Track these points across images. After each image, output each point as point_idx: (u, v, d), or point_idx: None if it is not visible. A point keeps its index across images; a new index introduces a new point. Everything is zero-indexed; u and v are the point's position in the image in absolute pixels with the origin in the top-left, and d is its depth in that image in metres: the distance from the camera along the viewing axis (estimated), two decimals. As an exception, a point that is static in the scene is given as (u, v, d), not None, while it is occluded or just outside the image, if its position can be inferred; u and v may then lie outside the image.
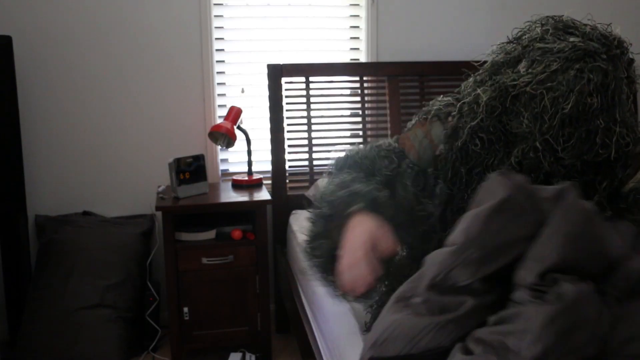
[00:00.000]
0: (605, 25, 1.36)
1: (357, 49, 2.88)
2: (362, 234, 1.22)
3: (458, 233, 1.08)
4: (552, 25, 1.39)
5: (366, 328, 1.54)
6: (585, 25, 1.35)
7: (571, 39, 1.32)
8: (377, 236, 1.24)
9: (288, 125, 2.71)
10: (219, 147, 2.74)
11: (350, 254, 1.21)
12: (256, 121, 2.78)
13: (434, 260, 1.09)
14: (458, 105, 1.43)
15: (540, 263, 1.00)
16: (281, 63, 2.68)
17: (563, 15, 1.37)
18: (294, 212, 2.65)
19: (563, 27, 1.37)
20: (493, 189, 1.10)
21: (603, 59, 1.27)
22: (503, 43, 1.46)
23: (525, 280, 1.01)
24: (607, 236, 1.07)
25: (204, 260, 2.35)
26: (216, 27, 2.73)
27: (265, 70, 2.67)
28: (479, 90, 1.39)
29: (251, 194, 2.48)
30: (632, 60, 1.32)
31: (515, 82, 1.32)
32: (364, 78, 2.77)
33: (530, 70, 1.31)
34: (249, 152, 2.64)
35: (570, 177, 1.27)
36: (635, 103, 2.98)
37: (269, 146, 2.69)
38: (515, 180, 1.12)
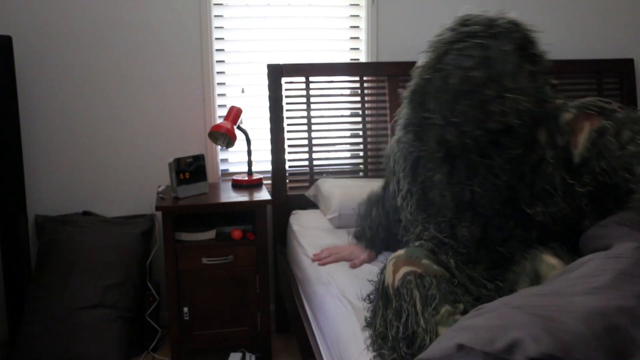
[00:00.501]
0: (502, 12, 1.51)
1: (357, 49, 2.88)
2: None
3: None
4: (454, 22, 1.52)
5: (366, 323, 1.55)
6: (479, 15, 1.49)
7: (462, 29, 1.47)
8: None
9: (288, 125, 2.71)
10: (219, 147, 2.74)
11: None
12: (256, 121, 2.78)
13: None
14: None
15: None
16: (281, 63, 2.68)
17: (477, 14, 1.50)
18: (294, 212, 2.65)
19: (461, 21, 1.50)
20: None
21: (483, 36, 1.41)
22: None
23: None
24: None
25: (204, 260, 2.35)
26: (216, 27, 2.74)
27: (265, 70, 2.67)
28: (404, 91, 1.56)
29: (251, 194, 2.48)
30: (527, 36, 1.46)
31: (415, 75, 1.50)
32: (364, 78, 2.77)
33: (425, 61, 1.48)
34: (249, 152, 2.64)
35: (486, 151, 1.43)
36: (635, 100, 2.99)
37: (269, 146, 2.69)
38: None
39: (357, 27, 2.87)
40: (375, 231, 2.01)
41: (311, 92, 2.73)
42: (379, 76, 2.79)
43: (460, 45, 1.42)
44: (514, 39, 1.41)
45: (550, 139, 1.46)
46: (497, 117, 1.38)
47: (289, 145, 2.72)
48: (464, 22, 1.47)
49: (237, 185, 2.60)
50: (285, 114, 2.70)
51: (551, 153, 1.45)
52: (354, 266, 2.00)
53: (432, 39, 1.51)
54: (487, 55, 1.38)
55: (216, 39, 2.74)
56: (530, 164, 1.46)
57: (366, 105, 2.78)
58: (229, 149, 2.74)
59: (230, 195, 2.48)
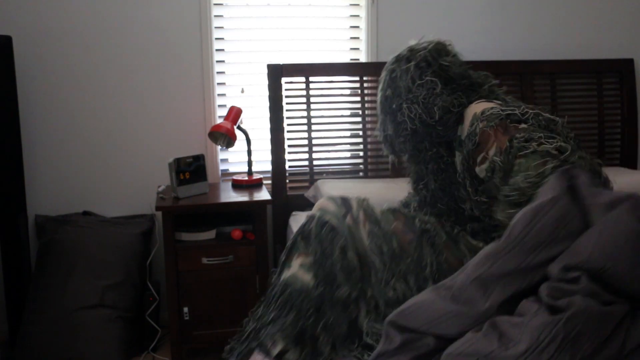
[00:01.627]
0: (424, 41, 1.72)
1: (357, 49, 2.88)
2: None
3: (507, 229, 1.13)
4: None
5: None
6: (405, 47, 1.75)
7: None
8: None
9: (288, 125, 2.71)
10: (219, 147, 2.74)
11: None
12: (256, 121, 2.78)
13: (482, 253, 1.13)
14: None
15: (569, 257, 1.02)
16: (281, 63, 2.68)
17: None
18: (293, 213, 2.65)
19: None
20: (549, 186, 1.14)
21: (391, 62, 1.73)
22: None
23: (552, 271, 1.03)
24: None
25: (204, 260, 2.35)
26: (216, 27, 2.73)
27: (265, 70, 2.67)
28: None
29: (251, 194, 2.48)
30: (433, 51, 1.66)
31: None
32: (364, 78, 2.77)
33: None
34: (249, 152, 2.64)
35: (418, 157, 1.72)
36: (635, 100, 2.99)
37: (269, 146, 2.69)
38: (575, 180, 1.13)
39: (357, 27, 2.87)
40: None
41: (311, 92, 2.73)
42: (379, 76, 2.77)
43: (382, 74, 1.75)
44: (416, 58, 1.65)
45: (458, 146, 1.60)
46: (404, 125, 1.65)
47: (289, 145, 2.72)
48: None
49: (237, 185, 2.60)
50: (285, 114, 2.70)
51: (459, 159, 1.57)
52: None
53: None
54: (393, 77, 1.69)
55: (216, 39, 2.74)
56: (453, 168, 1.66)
57: (366, 105, 2.78)
58: (229, 149, 2.73)
59: (230, 195, 2.48)
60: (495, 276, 1.07)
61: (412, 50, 1.69)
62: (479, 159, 1.45)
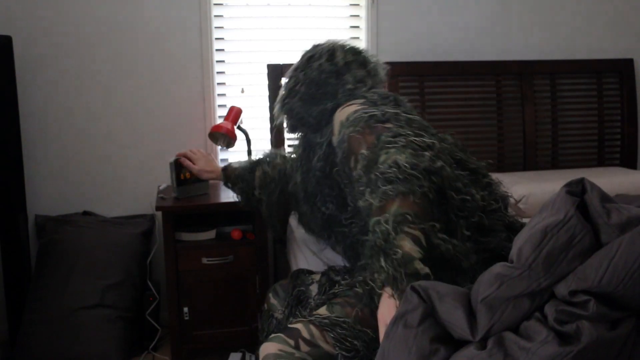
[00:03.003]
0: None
1: (357, 49, 2.88)
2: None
3: (514, 247, 1.08)
4: None
5: None
6: None
7: None
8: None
9: (288, 125, 2.71)
10: (219, 147, 2.74)
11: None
12: (256, 121, 2.78)
13: (493, 271, 1.09)
14: None
15: (578, 281, 0.99)
16: (281, 63, 2.68)
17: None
18: (294, 212, 2.64)
19: None
20: (559, 204, 1.08)
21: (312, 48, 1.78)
22: None
23: (559, 291, 1.01)
24: None
25: (204, 260, 2.35)
26: (216, 27, 2.73)
27: (265, 70, 2.67)
28: None
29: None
30: (309, 57, 1.75)
31: None
32: (364, 78, 2.77)
33: None
34: (249, 152, 2.64)
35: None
36: (635, 100, 2.99)
37: (269, 146, 2.69)
38: (586, 195, 1.08)
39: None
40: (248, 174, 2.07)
41: (311, 92, 2.72)
42: (379, 76, 2.78)
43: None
44: (310, 52, 1.75)
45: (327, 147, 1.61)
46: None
47: (289, 146, 2.72)
48: None
49: (237, 185, 2.60)
50: (285, 114, 2.69)
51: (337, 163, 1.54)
52: (181, 161, 2.25)
53: None
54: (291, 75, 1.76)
55: (216, 39, 2.74)
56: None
57: (366, 105, 2.78)
58: (229, 149, 2.73)
59: (230, 195, 2.47)
60: (503, 299, 1.04)
61: (320, 44, 1.77)
62: (352, 163, 1.42)
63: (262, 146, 2.78)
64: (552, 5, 2.99)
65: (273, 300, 1.82)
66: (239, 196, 2.12)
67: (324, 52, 1.72)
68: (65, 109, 2.65)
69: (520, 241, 1.07)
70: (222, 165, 2.22)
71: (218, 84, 2.77)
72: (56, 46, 2.60)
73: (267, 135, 2.70)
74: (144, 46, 2.67)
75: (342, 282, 1.58)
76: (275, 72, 2.66)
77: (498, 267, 1.08)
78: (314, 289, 1.72)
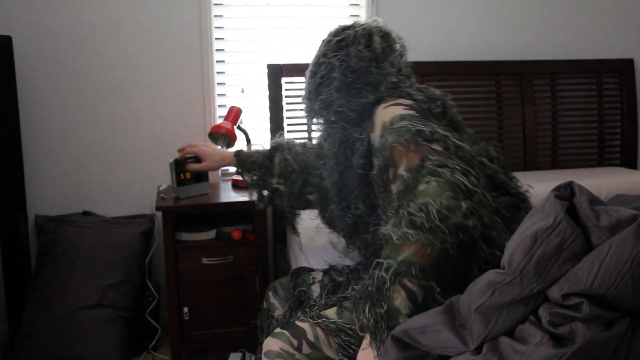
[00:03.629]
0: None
1: (357, 49, 2.88)
2: None
3: (505, 254, 1.07)
4: None
5: None
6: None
7: None
8: None
9: (288, 125, 2.71)
10: (219, 147, 2.74)
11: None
12: (256, 121, 2.78)
13: (484, 279, 1.08)
14: None
15: (570, 284, 0.99)
16: (281, 63, 2.68)
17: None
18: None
19: None
20: (548, 208, 1.07)
21: (338, 28, 1.63)
22: None
23: (551, 295, 1.01)
24: None
25: (204, 260, 2.35)
26: (216, 27, 2.73)
27: (265, 70, 2.67)
28: None
29: (251, 194, 2.48)
30: (347, 39, 1.58)
31: None
32: (364, 78, 2.77)
33: None
34: (248, 142, 2.64)
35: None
36: (635, 100, 2.99)
37: (269, 146, 2.69)
38: (575, 198, 1.08)
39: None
40: (267, 159, 1.95)
41: (311, 92, 2.72)
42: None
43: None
44: (341, 34, 1.59)
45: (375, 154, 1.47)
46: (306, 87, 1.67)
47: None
48: None
49: (237, 186, 2.60)
50: (285, 114, 2.70)
51: (377, 169, 1.44)
52: (188, 167, 2.12)
53: None
54: (324, 39, 1.64)
55: (216, 39, 2.74)
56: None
57: (366, 105, 2.78)
58: (229, 149, 2.73)
59: (230, 195, 2.48)
60: (497, 306, 1.04)
61: (351, 26, 1.61)
62: (390, 175, 1.34)
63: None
64: (552, 5, 2.99)
65: (273, 299, 1.79)
66: (252, 185, 1.97)
67: (360, 36, 1.57)
68: (65, 109, 2.65)
69: (511, 247, 1.07)
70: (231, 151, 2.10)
71: (218, 84, 2.77)
72: (56, 46, 2.60)
73: (267, 135, 2.70)
74: (144, 46, 2.67)
75: (355, 286, 1.53)
76: (275, 72, 2.66)
77: (489, 275, 1.07)
78: (315, 289, 1.70)
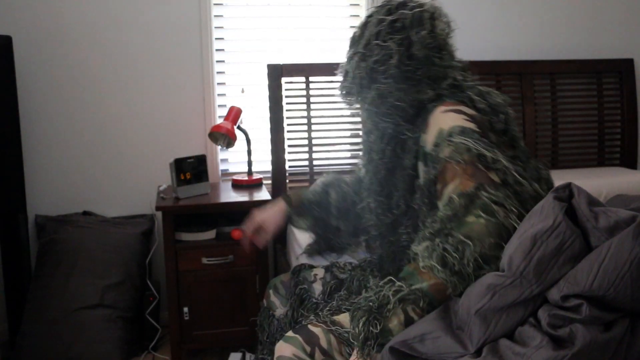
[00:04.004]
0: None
1: (357, 49, 2.88)
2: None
3: (505, 256, 1.07)
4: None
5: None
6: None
7: None
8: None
9: (288, 125, 2.71)
10: (219, 147, 2.74)
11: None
12: (256, 121, 2.78)
13: (484, 282, 1.08)
14: None
15: (569, 286, 0.99)
16: (281, 63, 2.68)
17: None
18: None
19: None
20: (547, 209, 1.07)
21: (380, 4, 1.45)
22: None
23: (551, 296, 1.01)
24: None
25: (204, 260, 2.35)
26: (216, 27, 2.74)
27: (265, 70, 2.67)
28: None
29: (251, 194, 2.48)
30: (404, 20, 1.38)
31: None
32: (364, 78, 2.77)
33: None
34: (249, 152, 2.64)
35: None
36: (635, 100, 2.99)
37: (269, 146, 2.69)
38: (574, 199, 1.08)
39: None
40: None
41: (311, 92, 2.73)
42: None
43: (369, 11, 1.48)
44: (396, 14, 1.39)
45: (422, 157, 1.36)
46: (347, 76, 1.47)
47: (289, 145, 2.72)
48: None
49: (237, 185, 2.60)
50: (285, 114, 2.70)
51: (423, 175, 1.35)
52: (256, 242, 1.75)
53: None
54: (367, 19, 1.44)
55: (216, 39, 2.74)
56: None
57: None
58: (229, 149, 2.73)
59: (230, 195, 2.48)
60: (497, 309, 1.05)
61: (402, 4, 1.41)
62: (438, 188, 1.25)
63: (262, 146, 2.78)
64: (552, 5, 2.99)
65: (273, 297, 1.76)
66: (309, 229, 1.75)
67: (421, 18, 1.39)
68: (66, 109, 2.65)
69: (510, 249, 1.06)
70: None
71: (218, 84, 2.77)
72: (56, 46, 2.60)
73: (267, 135, 2.70)
74: (144, 46, 2.67)
75: (371, 291, 1.47)
76: (275, 72, 2.66)
77: (489, 278, 1.07)
78: (317, 287, 1.67)
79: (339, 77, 1.51)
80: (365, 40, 1.40)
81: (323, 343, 1.32)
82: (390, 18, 1.37)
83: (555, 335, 0.98)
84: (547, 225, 1.04)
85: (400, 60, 1.35)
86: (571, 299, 0.99)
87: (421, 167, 1.35)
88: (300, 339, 1.33)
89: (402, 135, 1.40)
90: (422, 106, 1.37)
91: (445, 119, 1.29)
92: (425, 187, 1.30)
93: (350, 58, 1.44)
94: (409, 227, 1.40)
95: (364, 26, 1.43)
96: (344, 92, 1.48)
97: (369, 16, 1.44)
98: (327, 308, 1.50)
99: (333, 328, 1.33)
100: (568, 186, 1.11)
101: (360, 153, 1.61)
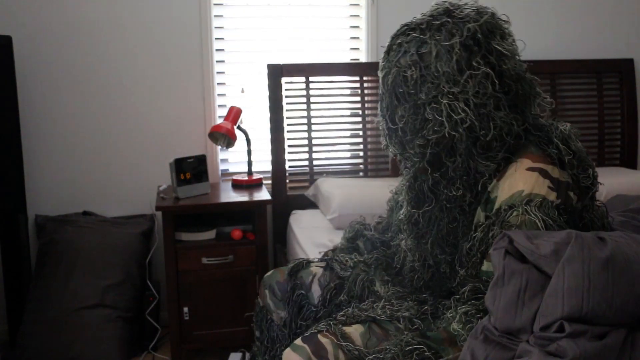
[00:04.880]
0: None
1: (357, 49, 2.88)
2: None
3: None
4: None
5: None
6: (444, 3, 1.29)
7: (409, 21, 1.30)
8: None
9: (288, 125, 2.71)
10: (219, 147, 2.74)
11: None
12: (256, 121, 2.78)
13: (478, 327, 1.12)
14: None
15: (545, 318, 1.01)
16: (281, 63, 2.68)
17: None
18: (294, 212, 2.65)
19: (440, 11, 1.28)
20: (494, 264, 1.12)
21: (423, 29, 1.22)
22: None
23: (535, 332, 1.03)
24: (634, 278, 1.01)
25: (204, 260, 2.35)
26: (216, 27, 2.73)
27: (265, 70, 2.67)
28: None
29: (251, 194, 2.48)
30: (486, 28, 1.20)
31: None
32: (364, 78, 2.77)
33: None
34: (249, 152, 2.64)
35: (431, 164, 1.27)
36: (635, 100, 2.99)
37: (269, 146, 2.69)
38: (513, 244, 1.11)
39: (357, 27, 2.87)
40: None
41: (311, 92, 2.73)
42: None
43: (400, 39, 1.25)
44: (463, 31, 1.18)
45: (483, 206, 1.25)
46: (433, 125, 1.20)
47: (289, 145, 2.72)
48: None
49: (237, 185, 2.60)
50: (285, 114, 2.70)
51: (478, 223, 1.26)
52: None
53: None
54: (423, 51, 1.20)
55: (216, 39, 2.74)
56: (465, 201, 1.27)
57: (366, 105, 2.78)
58: (229, 149, 2.73)
59: (230, 195, 2.48)
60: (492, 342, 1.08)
61: (453, 18, 1.20)
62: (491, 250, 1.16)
63: (262, 146, 2.78)
64: (552, 5, 2.99)
65: (269, 300, 1.71)
66: None
67: (495, 21, 1.23)
68: (65, 109, 2.65)
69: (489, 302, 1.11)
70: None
71: (218, 84, 2.77)
72: (56, 46, 2.60)
73: (267, 135, 2.70)
74: (143, 46, 2.67)
75: (387, 305, 1.37)
76: (275, 72, 2.66)
77: (479, 344, 1.11)
78: (315, 288, 1.63)
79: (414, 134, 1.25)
80: (447, 77, 1.18)
81: (331, 357, 1.26)
82: (458, 39, 1.17)
83: (548, 351, 0.99)
84: (497, 275, 1.08)
85: (493, 82, 1.17)
86: (551, 326, 1.00)
87: (479, 210, 1.26)
88: (308, 349, 1.28)
89: (486, 183, 1.24)
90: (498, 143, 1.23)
91: (528, 180, 1.18)
92: (481, 242, 1.22)
93: (424, 103, 1.20)
94: (449, 254, 1.34)
95: (422, 60, 1.20)
96: (435, 140, 1.22)
97: (419, 46, 1.21)
98: (336, 317, 1.41)
99: (343, 343, 1.27)
100: (504, 235, 1.12)
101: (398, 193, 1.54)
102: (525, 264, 1.08)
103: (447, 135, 1.19)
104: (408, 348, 1.19)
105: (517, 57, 1.25)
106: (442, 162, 1.27)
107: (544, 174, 1.18)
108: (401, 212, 1.44)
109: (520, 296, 1.04)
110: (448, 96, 1.17)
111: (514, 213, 1.16)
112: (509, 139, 1.21)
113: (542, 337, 1.00)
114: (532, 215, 1.14)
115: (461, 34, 1.17)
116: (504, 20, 1.25)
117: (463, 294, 1.20)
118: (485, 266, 1.21)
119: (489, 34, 1.20)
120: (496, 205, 1.20)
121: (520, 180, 1.18)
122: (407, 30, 1.26)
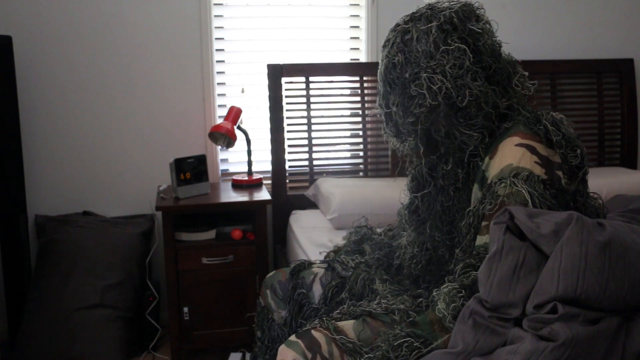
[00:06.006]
0: None
1: (357, 49, 2.88)
2: None
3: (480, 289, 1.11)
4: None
5: None
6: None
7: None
8: None
9: (288, 125, 2.71)
10: (219, 147, 2.74)
11: None
12: (256, 121, 2.78)
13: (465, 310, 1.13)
14: None
15: (538, 297, 1.02)
16: (281, 63, 2.68)
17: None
18: (293, 212, 2.65)
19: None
20: (492, 239, 1.13)
21: (405, 20, 1.40)
22: None
23: (528, 311, 1.04)
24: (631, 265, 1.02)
25: (204, 260, 2.35)
26: (216, 27, 2.73)
27: (265, 70, 2.67)
28: None
29: (251, 194, 2.48)
30: (460, 13, 1.34)
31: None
32: (364, 78, 2.77)
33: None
34: (249, 152, 2.64)
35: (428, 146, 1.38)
36: (635, 100, 2.99)
37: (269, 146, 2.69)
38: (514, 220, 1.11)
39: (357, 27, 2.87)
40: None
41: (311, 92, 2.73)
42: (379, 76, 2.78)
43: (390, 35, 1.42)
44: (438, 17, 1.32)
45: (478, 182, 1.32)
46: (417, 100, 1.31)
47: (289, 145, 2.72)
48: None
49: (237, 185, 2.60)
50: (285, 114, 2.70)
51: (474, 201, 1.32)
52: None
53: None
54: (406, 38, 1.36)
55: (216, 39, 2.74)
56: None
57: (366, 105, 2.78)
58: (229, 149, 2.73)
59: (230, 195, 2.48)
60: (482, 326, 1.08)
61: (433, 9, 1.35)
62: (484, 223, 1.23)
63: (262, 146, 2.78)
64: (552, 5, 2.99)
65: (271, 299, 1.72)
66: None
67: (471, 10, 1.37)
68: (65, 109, 2.65)
69: (480, 279, 1.11)
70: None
71: (218, 84, 2.77)
72: (56, 46, 2.60)
73: (267, 135, 2.70)
74: (144, 46, 2.67)
75: (382, 301, 1.42)
76: (275, 72, 2.66)
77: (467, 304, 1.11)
78: (317, 288, 1.65)
79: (396, 108, 1.37)
80: (425, 55, 1.30)
81: (324, 351, 1.29)
82: (435, 24, 1.31)
83: (538, 334, 1.00)
84: (495, 249, 1.08)
85: (472, 57, 1.30)
86: (545, 306, 1.01)
87: (476, 189, 1.32)
88: (301, 344, 1.30)
89: (473, 158, 1.34)
90: (503, 115, 1.35)
91: (516, 155, 1.25)
92: (474, 216, 1.27)
93: (408, 81, 1.32)
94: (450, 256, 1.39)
95: (406, 46, 1.34)
96: (421, 113, 1.32)
97: (404, 35, 1.36)
98: (331, 314, 1.45)
99: (337, 337, 1.30)
100: (505, 210, 1.14)
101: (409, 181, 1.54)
102: (524, 241, 1.08)
103: (428, 105, 1.30)
104: (397, 342, 1.20)
105: (494, 38, 1.40)
106: (436, 145, 1.38)
107: (531, 149, 1.26)
108: (404, 203, 1.53)
109: (516, 272, 1.05)
110: (427, 70, 1.30)
111: (502, 184, 1.23)
112: (487, 108, 1.31)
113: (535, 319, 1.00)
114: (519, 187, 1.20)
115: (438, 20, 1.32)
116: (477, 7, 1.41)
117: (455, 272, 1.22)
118: (479, 240, 1.24)
119: (465, 18, 1.34)
120: (489, 181, 1.28)
121: (509, 155, 1.26)
122: (395, 26, 1.43)
